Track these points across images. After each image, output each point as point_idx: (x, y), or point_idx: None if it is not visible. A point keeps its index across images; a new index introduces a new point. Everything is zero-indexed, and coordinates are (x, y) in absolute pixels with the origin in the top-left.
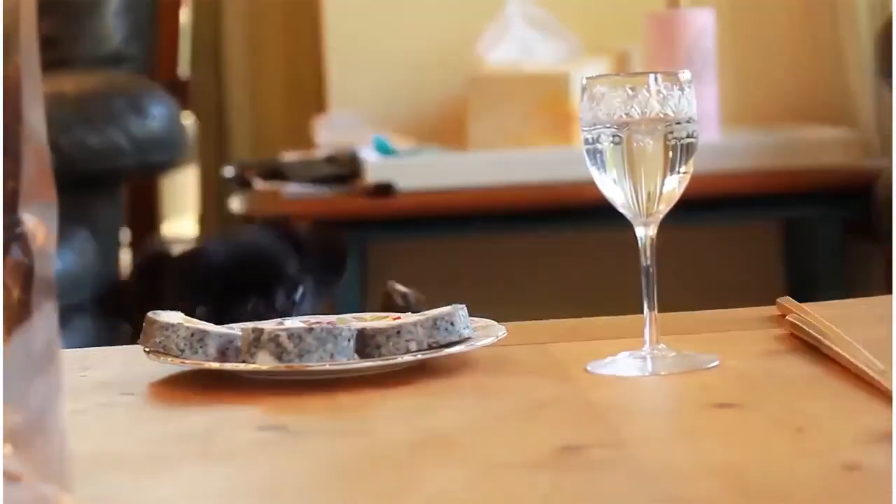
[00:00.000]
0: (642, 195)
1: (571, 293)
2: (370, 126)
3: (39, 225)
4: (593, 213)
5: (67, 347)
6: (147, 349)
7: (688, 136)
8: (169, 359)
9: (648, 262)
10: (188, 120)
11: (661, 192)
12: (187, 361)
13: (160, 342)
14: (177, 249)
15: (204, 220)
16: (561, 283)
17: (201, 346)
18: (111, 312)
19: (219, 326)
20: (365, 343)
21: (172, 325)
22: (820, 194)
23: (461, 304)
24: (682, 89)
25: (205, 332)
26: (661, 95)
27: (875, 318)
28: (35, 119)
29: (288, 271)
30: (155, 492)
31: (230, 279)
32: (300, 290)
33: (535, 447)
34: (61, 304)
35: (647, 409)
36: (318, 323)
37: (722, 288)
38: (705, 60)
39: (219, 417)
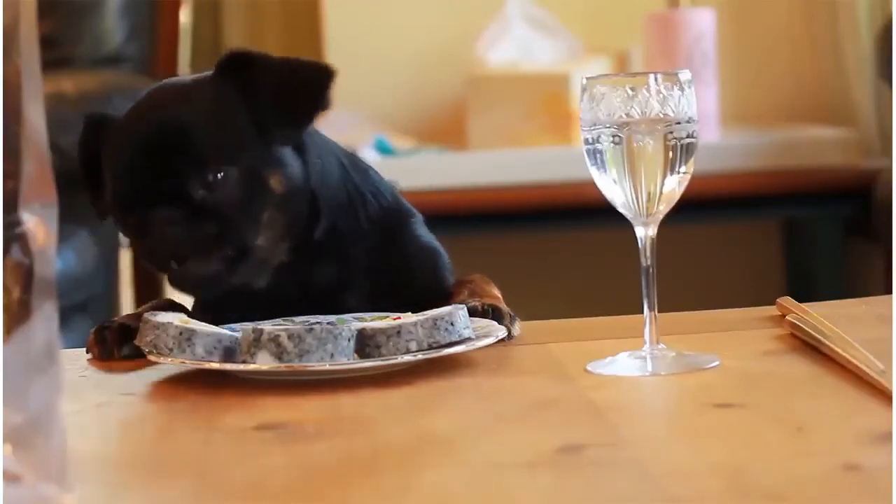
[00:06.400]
0: (642, 195)
1: (571, 293)
2: (370, 126)
3: (39, 225)
4: (593, 213)
5: (67, 347)
6: (145, 349)
7: (688, 136)
8: (161, 358)
9: (648, 262)
10: None
11: (661, 192)
12: (187, 361)
13: (151, 341)
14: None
15: None
16: (561, 283)
17: (189, 346)
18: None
19: (209, 326)
20: (365, 343)
21: (163, 325)
22: (820, 194)
23: (461, 304)
24: (682, 89)
25: (192, 332)
26: (661, 95)
27: (875, 318)
28: (35, 119)
29: (199, 147)
30: (155, 492)
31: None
32: (220, 172)
33: (535, 447)
34: (61, 304)
35: (647, 409)
36: (318, 323)
37: (722, 288)
38: (705, 60)
39: (218, 417)
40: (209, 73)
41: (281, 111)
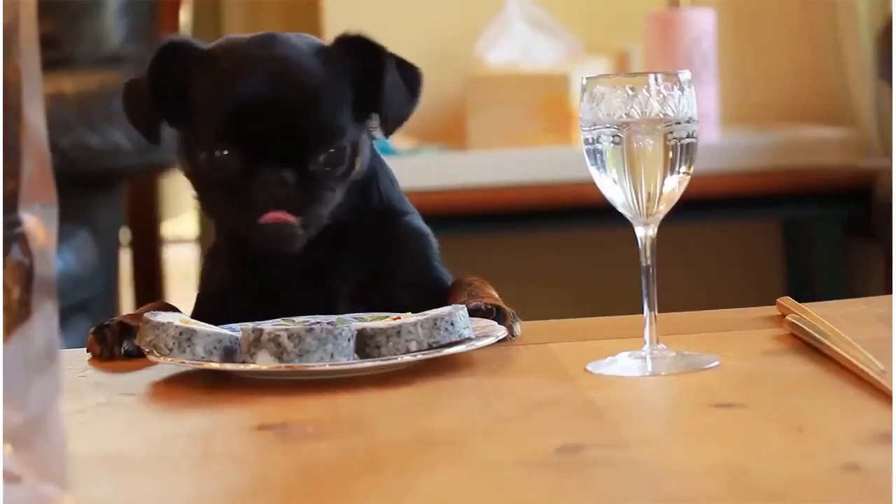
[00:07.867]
0: (642, 195)
1: (571, 293)
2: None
3: (39, 225)
4: (593, 213)
5: (67, 347)
6: (145, 349)
7: (688, 136)
8: (161, 358)
9: (648, 262)
10: None
11: (661, 192)
12: (187, 362)
13: (151, 341)
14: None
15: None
16: (561, 282)
17: (189, 346)
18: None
19: (209, 326)
20: (365, 343)
21: (162, 325)
22: (820, 194)
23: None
24: (682, 89)
25: (192, 332)
26: (661, 95)
27: (875, 318)
28: (35, 119)
29: (326, 118)
30: (155, 492)
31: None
32: (335, 147)
33: (535, 447)
34: (61, 304)
35: (647, 409)
36: (318, 323)
37: (722, 288)
38: (705, 60)
39: (218, 417)
40: (319, 40)
41: (393, 102)
